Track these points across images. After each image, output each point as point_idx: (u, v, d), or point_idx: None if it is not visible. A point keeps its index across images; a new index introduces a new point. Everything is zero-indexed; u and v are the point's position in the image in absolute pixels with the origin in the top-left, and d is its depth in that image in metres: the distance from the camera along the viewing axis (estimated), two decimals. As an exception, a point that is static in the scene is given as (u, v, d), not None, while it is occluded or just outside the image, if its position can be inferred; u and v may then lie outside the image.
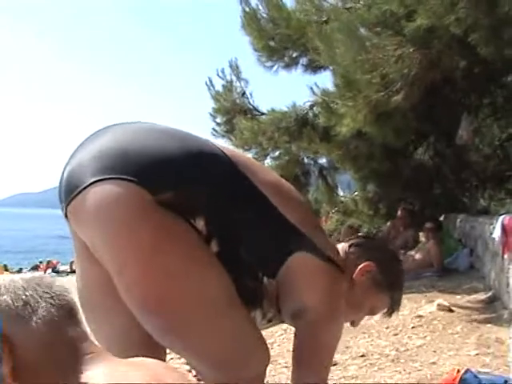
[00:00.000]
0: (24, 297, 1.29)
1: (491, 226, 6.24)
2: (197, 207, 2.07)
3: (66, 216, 2.07)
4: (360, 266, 2.45)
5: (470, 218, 9.20)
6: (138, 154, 2.00)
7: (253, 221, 2.18)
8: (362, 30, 7.06)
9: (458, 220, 10.22)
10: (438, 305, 5.97)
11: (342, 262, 2.40)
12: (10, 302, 1.28)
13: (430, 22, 6.07)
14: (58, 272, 21.08)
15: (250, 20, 8.75)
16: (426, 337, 5.11)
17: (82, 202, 1.96)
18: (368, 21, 6.84)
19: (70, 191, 2.00)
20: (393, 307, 2.59)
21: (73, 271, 20.83)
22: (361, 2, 7.42)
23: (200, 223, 2.07)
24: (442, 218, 11.54)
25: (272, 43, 8.59)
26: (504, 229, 5.64)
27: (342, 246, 2.53)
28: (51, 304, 1.31)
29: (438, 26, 6.14)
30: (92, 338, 1.50)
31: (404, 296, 6.90)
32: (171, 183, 2.01)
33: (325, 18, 7.56)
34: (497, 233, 5.82)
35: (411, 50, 6.30)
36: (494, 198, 12.95)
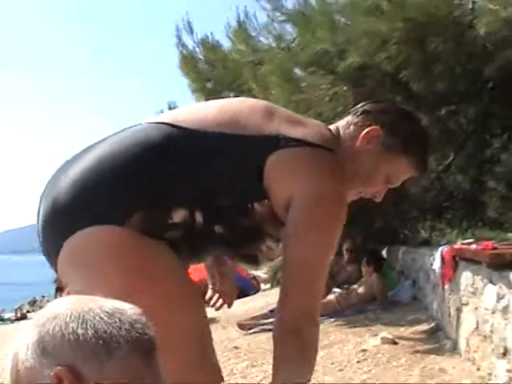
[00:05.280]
0: (104, 333, 1.16)
1: (431, 257, 6.35)
2: (168, 204, 2.06)
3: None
4: (362, 133, 2.27)
5: (411, 249, 9.32)
6: (91, 190, 2.03)
7: (217, 167, 2.10)
8: (296, 71, 7.21)
9: (400, 252, 10.33)
10: (382, 338, 6.02)
11: (330, 138, 2.23)
12: (87, 335, 1.14)
13: (361, 61, 6.22)
14: (2, 320, 20.72)
15: (187, 62, 8.82)
16: (370, 370, 5.14)
17: (62, 257, 2.04)
18: (302, 61, 6.98)
19: (49, 243, 2.09)
20: (421, 169, 2.38)
21: (18, 318, 20.49)
22: (295, 43, 7.54)
23: (178, 213, 2.06)
24: (384, 251, 11.65)
25: (209, 85, 8.66)
26: (443, 260, 5.75)
27: (344, 120, 2.35)
28: (131, 346, 1.18)
29: (369, 64, 6.30)
30: None
31: (348, 330, 7.01)
32: (129, 206, 2.02)
33: (260, 59, 7.67)
34: (436, 264, 5.93)
35: (344, 89, 6.44)
36: (435, 228, 13.13)
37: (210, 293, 2.72)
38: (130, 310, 1.24)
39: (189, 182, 2.08)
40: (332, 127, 2.33)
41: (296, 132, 2.14)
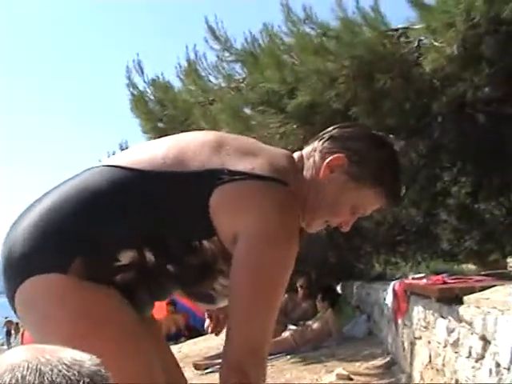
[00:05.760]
0: None
1: (385, 292, 6.40)
2: (112, 247, 2.04)
3: None
4: (326, 161, 2.16)
5: (366, 284, 9.39)
6: (39, 240, 2.04)
7: (161, 207, 2.06)
8: (246, 110, 7.26)
9: (355, 287, 10.40)
10: (337, 374, 6.02)
11: (285, 169, 2.13)
12: None
13: (311, 99, 6.28)
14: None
15: (138, 103, 8.80)
16: (326, 407, 5.15)
17: (16, 303, 2.06)
18: (251, 100, 7.03)
19: (6, 288, 2.09)
20: (390, 200, 2.27)
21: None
22: (244, 82, 7.60)
23: (126, 255, 2.03)
24: (339, 286, 11.71)
25: (160, 125, 8.64)
26: (395, 294, 5.80)
27: (310, 146, 2.26)
28: None
29: (319, 102, 6.35)
30: None
31: (304, 367, 7.00)
32: (69, 253, 2.01)
33: (210, 99, 7.70)
34: (389, 299, 5.98)
35: (294, 127, 6.48)
36: (389, 262, 13.25)
37: (207, 322, 2.71)
38: (88, 361, 1.19)
39: (133, 223, 2.06)
40: (297, 154, 2.25)
41: (243, 164, 2.07)
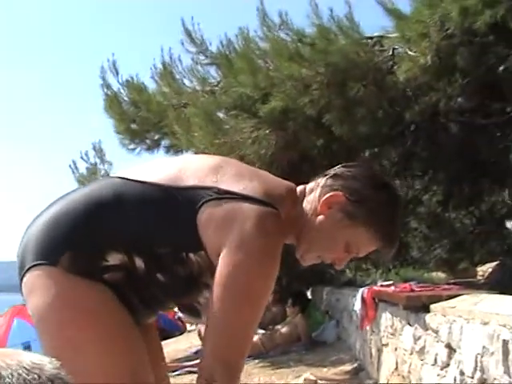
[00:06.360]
0: None
1: (354, 298, 6.43)
2: (99, 246, 2.12)
3: None
4: (325, 197, 2.20)
5: (336, 290, 9.43)
6: (48, 235, 2.15)
7: (148, 215, 2.14)
8: (220, 114, 7.27)
9: (325, 292, 10.43)
10: (305, 379, 6.03)
11: (280, 196, 2.17)
12: None
13: (284, 104, 6.30)
14: None
15: (112, 103, 8.78)
16: (292, 412, 5.16)
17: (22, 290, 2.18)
18: (225, 104, 7.05)
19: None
20: (385, 243, 2.26)
21: None
22: (219, 86, 7.61)
23: (114, 256, 2.10)
24: (309, 292, 11.73)
25: (134, 126, 8.62)
26: (364, 301, 5.83)
27: (315, 182, 2.29)
28: None
29: (292, 108, 6.37)
30: None
31: (272, 372, 7.02)
32: (60, 247, 2.11)
33: (184, 102, 7.70)
34: (357, 305, 6.01)
35: (267, 132, 6.48)
36: (359, 268, 13.29)
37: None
38: (49, 364, 1.18)
39: (121, 226, 2.13)
40: (300, 187, 2.30)
41: (236, 186, 2.12)
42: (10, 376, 1.11)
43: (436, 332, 3.71)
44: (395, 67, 6.11)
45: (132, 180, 2.20)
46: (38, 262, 2.11)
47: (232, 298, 2.05)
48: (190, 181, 2.14)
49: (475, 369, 3.09)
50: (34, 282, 2.13)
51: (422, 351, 4.00)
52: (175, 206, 2.12)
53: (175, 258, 2.13)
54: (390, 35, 6.34)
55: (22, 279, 2.17)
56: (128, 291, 2.14)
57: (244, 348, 2.16)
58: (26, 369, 1.13)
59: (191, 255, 2.12)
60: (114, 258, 2.10)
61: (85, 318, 2.07)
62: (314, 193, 2.26)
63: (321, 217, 2.21)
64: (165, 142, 8.64)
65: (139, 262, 2.11)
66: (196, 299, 2.26)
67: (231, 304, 2.06)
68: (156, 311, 2.40)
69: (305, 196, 2.28)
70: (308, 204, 2.25)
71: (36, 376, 1.13)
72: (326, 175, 2.29)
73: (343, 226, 2.20)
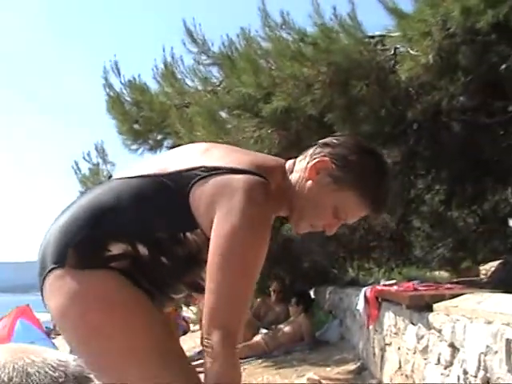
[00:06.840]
0: None
1: (357, 297, 6.42)
2: (100, 237, 2.20)
3: None
4: (311, 163, 2.26)
5: (339, 289, 9.40)
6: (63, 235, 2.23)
7: (145, 204, 2.23)
8: (222, 113, 7.27)
9: (328, 292, 10.40)
10: (308, 379, 6.03)
11: (268, 168, 2.23)
12: None
13: (286, 104, 6.29)
14: None
15: (114, 104, 8.78)
16: (296, 411, 5.16)
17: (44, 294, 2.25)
18: (227, 104, 7.05)
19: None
20: (372, 208, 2.32)
21: None
22: (221, 86, 7.61)
23: (116, 246, 2.18)
24: (312, 291, 11.71)
25: (136, 126, 8.62)
26: (367, 300, 5.82)
27: (304, 153, 2.34)
28: None
29: (294, 108, 6.37)
30: None
31: (275, 371, 7.01)
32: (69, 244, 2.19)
33: (186, 102, 7.71)
34: (360, 304, 6.00)
35: (270, 131, 6.49)
36: (362, 268, 13.27)
37: None
38: (73, 361, 1.17)
39: (122, 222, 2.21)
40: (290, 161, 2.36)
41: (222, 161, 2.21)
42: (36, 373, 1.10)
43: (439, 331, 3.71)
44: (397, 66, 6.08)
45: (128, 177, 2.30)
46: (52, 266, 2.19)
47: (226, 264, 2.11)
48: (178, 165, 2.23)
49: (479, 368, 3.09)
50: (49, 288, 2.21)
51: (425, 350, 3.99)
52: (168, 192, 2.21)
53: (174, 239, 2.21)
54: (391, 34, 6.32)
55: (42, 288, 2.24)
56: (137, 276, 2.21)
57: (240, 314, 2.19)
58: (52, 366, 1.13)
59: (188, 234, 2.21)
60: (116, 248, 2.18)
61: (103, 305, 2.15)
62: (303, 162, 2.31)
63: (309, 182, 2.28)
64: (167, 142, 8.64)
65: (142, 249, 2.19)
66: (199, 275, 2.31)
67: (225, 269, 2.11)
68: (168, 295, 2.43)
69: (294, 167, 2.33)
70: (297, 173, 2.31)
71: (62, 373, 1.13)
72: (315, 145, 2.35)
73: (331, 191, 2.26)
